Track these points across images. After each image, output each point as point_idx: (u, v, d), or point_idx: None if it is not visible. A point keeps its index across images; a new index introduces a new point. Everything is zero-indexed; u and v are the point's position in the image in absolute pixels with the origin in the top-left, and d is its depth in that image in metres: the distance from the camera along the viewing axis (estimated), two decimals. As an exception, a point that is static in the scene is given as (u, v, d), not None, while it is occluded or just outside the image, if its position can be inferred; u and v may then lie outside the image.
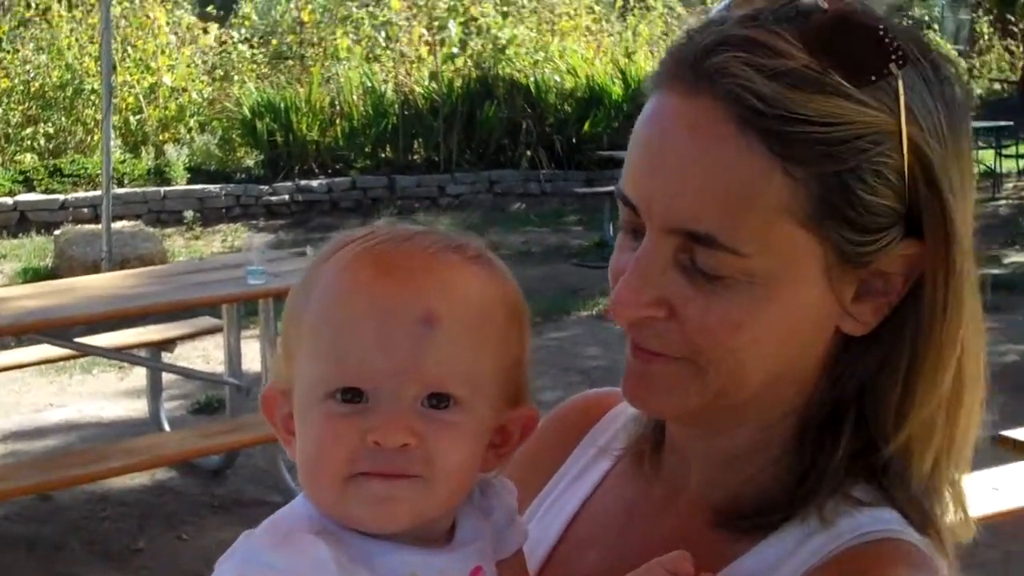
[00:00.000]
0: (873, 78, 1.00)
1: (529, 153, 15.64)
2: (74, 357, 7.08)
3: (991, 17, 24.54)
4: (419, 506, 1.04)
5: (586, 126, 15.65)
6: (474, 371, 1.05)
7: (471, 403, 1.05)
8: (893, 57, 1.01)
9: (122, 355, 6.71)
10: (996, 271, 10.83)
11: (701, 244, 1.02)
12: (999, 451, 4.24)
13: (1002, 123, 16.66)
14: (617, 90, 15.82)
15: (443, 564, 1.07)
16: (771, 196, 1.00)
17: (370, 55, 16.34)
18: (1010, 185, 16.66)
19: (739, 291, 1.03)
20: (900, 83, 1.01)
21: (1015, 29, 23.95)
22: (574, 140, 15.76)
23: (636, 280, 1.05)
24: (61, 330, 5.71)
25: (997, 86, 24.33)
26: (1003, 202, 15.49)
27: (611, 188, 12.43)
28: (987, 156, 16.37)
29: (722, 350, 1.05)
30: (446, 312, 1.03)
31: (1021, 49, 24.18)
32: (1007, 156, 16.45)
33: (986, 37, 24.77)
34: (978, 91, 23.37)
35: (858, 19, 1.03)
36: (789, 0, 1.05)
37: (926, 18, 25.14)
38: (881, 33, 1.02)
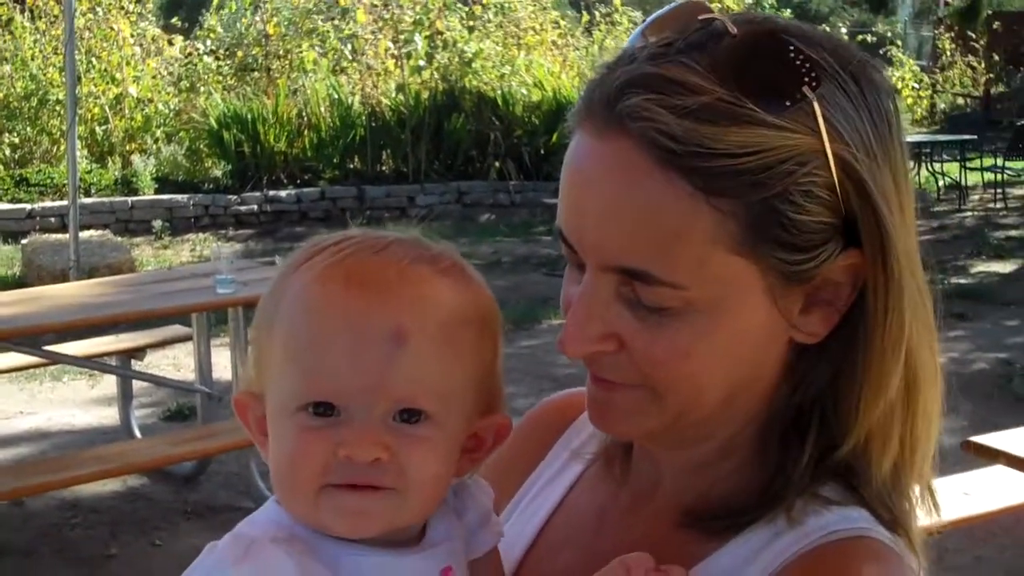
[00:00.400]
0: (788, 103, 0.99)
1: (498, 164, 15.66)
2: (44, 365, 7.04)
3: (953, 34, 24.78)
4: (391, 517, 1.05)
5: (554, 137, 15.68)
6: (445, 386, 1.05)
7: (442, 416, 1.05)
8: (806, 79, 1.00)
9: (92, 363, 6.67)
10: (963, 281, 10.92)
11: (639, 280, 1.02)
12: (969, 457, 4.28)
13: (966, 137, 16.93)
14: (585, 103, 15.83)
15: (413, 565, 1.08)
16: (699, 229, 0.99)
17: (336, 67, 16.33)
18: (976, 197, 16.82)
19: (684, 320, 1.02)
20: (816, 104, 0.99)
21: (976, 45, 24.20)
22: (542, 151, 15.79)
23: (582, 316, 1.05)
24: (31, 338, 5.66)
25: (960, 101, 24.59)
26: (969, 214, 15.63)
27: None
28: (952, 169, 16.56)
29: (675, 377, 1.05)
30: (416, 329, 1.03)
31: (982, 65, 24.44)
32: (972, 169, 16.61)
33: (948, 53, 25.01)
34: (942, 106, 23.63)
35: (767, 43, 1.01)
36: (699, 25, 1.04)
37: (889, 34, 25.39)
38: (792, 55, 1.01)
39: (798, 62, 1.00)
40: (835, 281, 1.04)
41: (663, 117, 0.98)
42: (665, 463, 1.17)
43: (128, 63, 15.53)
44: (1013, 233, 14.03)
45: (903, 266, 1.04)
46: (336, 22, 16.40)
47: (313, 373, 1.03)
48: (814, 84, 1.00)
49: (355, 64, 16.35)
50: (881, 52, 21.35)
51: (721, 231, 0.99)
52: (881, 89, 1.06)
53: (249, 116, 15.04)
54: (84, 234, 10.48)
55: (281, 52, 16.34)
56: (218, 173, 15.07)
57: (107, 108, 15.16)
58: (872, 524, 1.07)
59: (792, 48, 1.01)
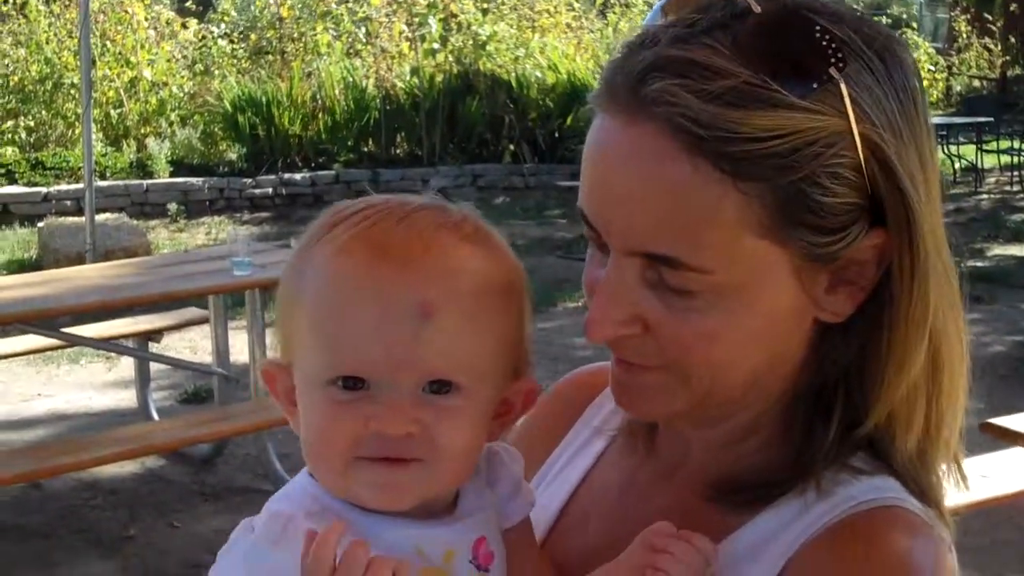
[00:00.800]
0: (815, 84, 0.98)
1: (512, 147, 15.64)
2: (62, 347, 7.06)
3: (969, 16, 24.63)
4: (423, 488, 1.05)
5: (568, 120, 15.64)
6: (474, 356, 1.05)
7: (472, 386, 1.05)
8: (833, 60, 0.99)
9: (110, 345, 6.68)
10: (979, 264, 10.88)
11: (665, 265, 1.02)
12: (987, 439, 4.27)
13: (982, 119, 16.80)
14: (599, 85, 15.80)
15: (446, 537, 1.08)
16: (726, 213, 0.99)
17: (350, 50, 16.31)
18: (992, 180, 16.74)
19: (711, 304, 1.02)
20: (843, 85, 0.99)
21: (993, 27, 24.04)
22: (556, 134, 15.76)
23: (606, 300, 1.05)
24: (48, 320, 5.68)
25: (977, 83, 24.45)
26: (985, 196, 15.56)
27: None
28: (968, 152, 16.47)
29: (702, 360, 1.05)
30: (443, 302, 1.03)
31: (999, 47, 24.29)
32: (988, 151, 16.52)
33: (964, 35, 24.85)
34: (958, 88, 23.51)
35: (792, 22, 1.01)
36: (722, 3, 1.03)
37: (904, 16, 25.26)
38: (818, 35, 1.00)
39: (824, 42, 1.00)
40: (861, 261, 1.04)
41: (689, 102, 0.97)
42: (691, 439, 1.17)
43: (142, 46, 15.51)
44: (1030, 216, 13.99)
45: (929, 245, 1.04)
46: (350, 5, 16.38)
47: (341, 348, 1.03)
48: (841, 64, 0.99)
49: (369, 47, 16.33)
50: (896, 34, 21.19)
51: (748, 215, 0.99)
52: (907, 67, 1.05)
53: (263, 99, 15.03)
54: (100, 217, 10.49)
55: (295, 35, 16.31)
56: (233, 156, 15.07)
57: (122, 91, 15.16)
58: (902, 494, 1.07)
59: (818, 27, 1.00)
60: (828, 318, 1.07)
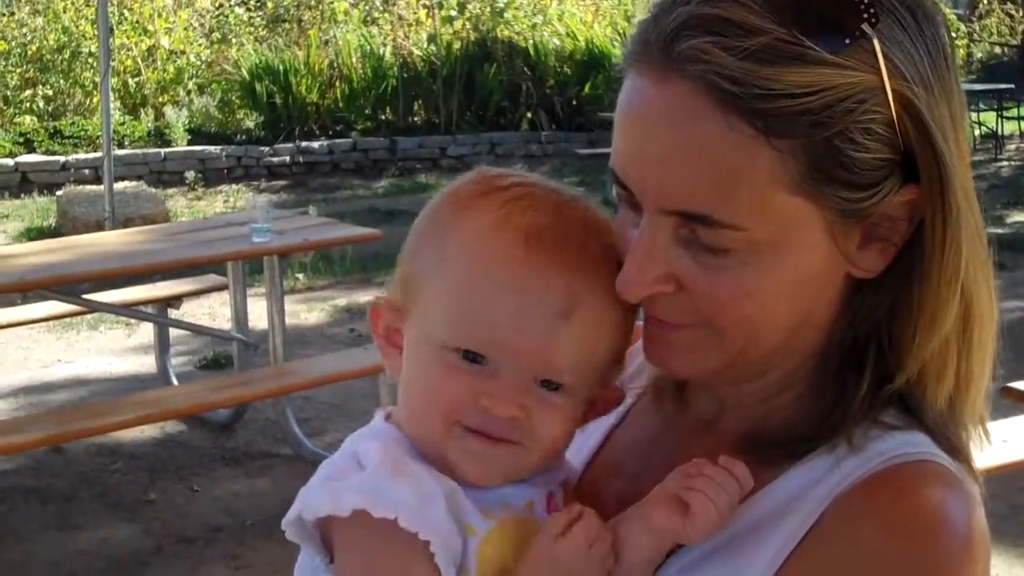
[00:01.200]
0: (847, 40, 0.98)
1: (529, 115, 15.62)
2: (81, 314, 7.09)
3: (990, -19, 24.43)
4: (512, 469, 1.11)
5: (586, 88, 15.60)
6: (589, 363, 1.11)
7: (577, 388, 1.11)
8: (865, 16, 0.99)
9: (130, 311, 6.71)
10: (999, 231, 10.84)
11: (699, 223, 1.02)
12: (1007, 404, 4.27)
13: (1003, 86, 16.67)
14: (617, 52, 15.66)
15: (528, 494, 1.13)
16: (760, 170, 0.99)
17: (368, 18, 16.27)
18: (1012, 147, 16.65)
19: (745, 261, 1.03)
20: (875, 40, 0.99)
21: (1014, -7, 23.84)
22: (574, 102, 15.72)
23: (640, 259, 1.06)
24: (68, 287, 5.70)
25: (998, 50, 24.27)
26: (1005, 163, 15.48)
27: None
28: (989, 119, 16.36)
29: (736, 317, 1.05)
30: (583, 308, 1.08)
31: (1021, 13, 24.08)
32: (1009, 118, 16.42)
33: (986, 1, 24.65)
34: (979, 55, 23.32)
35: None
36: None
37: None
38: None
39: None
40: (893, 217, 1.04)
41: (722, 59, 0.97)
42: (723, 396, 1.18)
43: (160, 15, 15.53)
44: (1051, 182, 13.91)
45: (960, 200, 1.04)
46: (368, -28, 16.33)
47: (475, 324, 1.07)
48: (872, 20, 0.99)
49: (386, 14, 16.29)
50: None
51: (782, 171, 0.99)
52: (937, 23, 1.05)
53: (281, 67, 15.03)
54: (118, 185, 10.52)
55: (312, 2, 16.29)
56: (250, 124, 15.08)
57: (139, 60, 15.17)
58: (934, 449, 1.07)
59: None
60: (860, 274, 1.07)
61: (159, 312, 6.69)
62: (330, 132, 15.14)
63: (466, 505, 1.08)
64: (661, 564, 1.10)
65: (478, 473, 1.09)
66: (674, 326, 1.09)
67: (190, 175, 13.62)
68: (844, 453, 1.07)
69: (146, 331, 7.58)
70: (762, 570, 1.05)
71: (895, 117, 1.00)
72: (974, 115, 16.27)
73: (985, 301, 1.09)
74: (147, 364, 7.21)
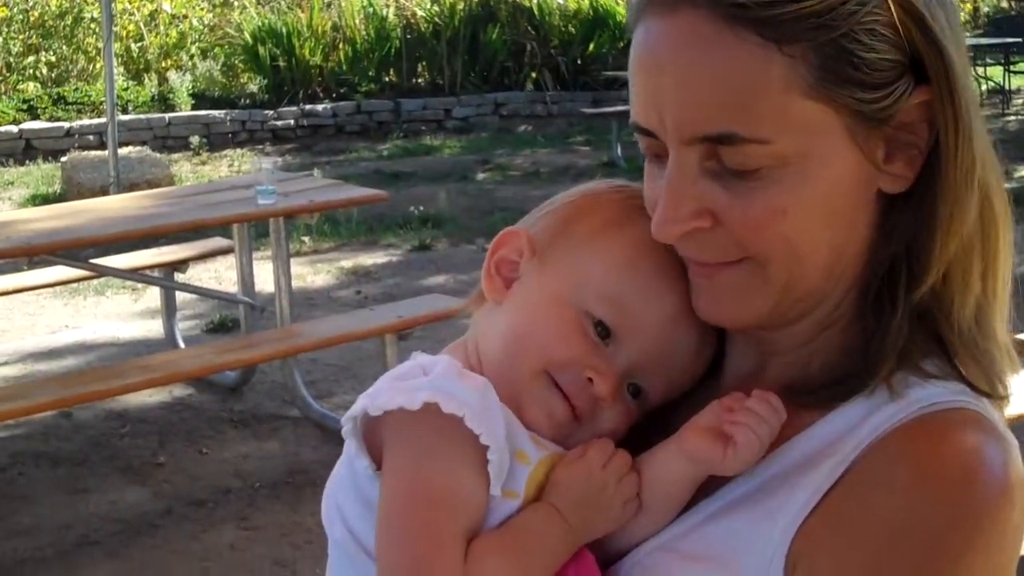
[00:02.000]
0: None
1: (534, 75, 15.57)
2: (88, 279, 7.08)
3: (997, -66, 24.24)
4: (566, 436, 1.15)
5: (591, 47, 15.54)
6: (677, 387, 1.19)
7: (645, 405, 1.18)
8: None
9: (136, 276, 6.70)
10: (1008, 185, 10.70)
11: (724, 144, 1.03)
12: (1020, 357, 4.25)
13: (1010, 40, 16.59)
14: (622, 11, 15.67)
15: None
16: (775, 78, 1.01)
17: (370, -21, 16.20)
18: (1019, 101, 16.61)
19: (775, 179, 1.04)
20: None
21: (1022, -54, 23.66)
22: (579, 61, 15.68)
23: (672, 198, 1.07)
24: (74, 252, 5.70)
25: (1004, 4, 24.11)
26: (1012, 118, 15.43)
27: (618, 108, 12.43)
28: (996, 73, 16.30)
29: (774, 239, 1.06)
30: (708, 347, 1.18)
31: (1028, -34, 23.91)
32: (1016, 72, 16.38)
33: (992, -46, 24.48)
34: (985, 9, 23.16)
35: None
36: None
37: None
38: None
39: None
40: (910, 122, 1.06)
41: None
42: (764, 346, 1.18)
43: (161, -22, 15.48)
44: (1058, 136, 13.84)
45: (968, 100, 1.06)
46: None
47: (617, 315, 1.14)
48: None
49: (389, -24, 16.21)
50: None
51: (795, 76, 1.01)
52: None
53: (284, 30, 14.99)
54: (123, 151, 10.53)
55: (314, -36, 16.21)
56: (254, 88, 15.05)
57: (142, 25, 15.13)
58: (972, 398, 1.08)
59: None
60: (891, 186, 1.08)
61: (165, 276, 6.69)
62: (334, 95, 15.11)
63: (521, 432, 1.12)
64: (687, 510, 1.12)
65: (544, 425, 1.14)
66: (717, 266, 1.10)
67: (194, 140, 13.61)
68: (881, 400, 1.08)
69: (153, 295, 7.59)
70: (795, 513, 1.06)
71: (896, 18, 1.02)
72: (980, 69, 16.20)
73: (1000, 199, 1.11)
74: (154, 328, 7.22)
